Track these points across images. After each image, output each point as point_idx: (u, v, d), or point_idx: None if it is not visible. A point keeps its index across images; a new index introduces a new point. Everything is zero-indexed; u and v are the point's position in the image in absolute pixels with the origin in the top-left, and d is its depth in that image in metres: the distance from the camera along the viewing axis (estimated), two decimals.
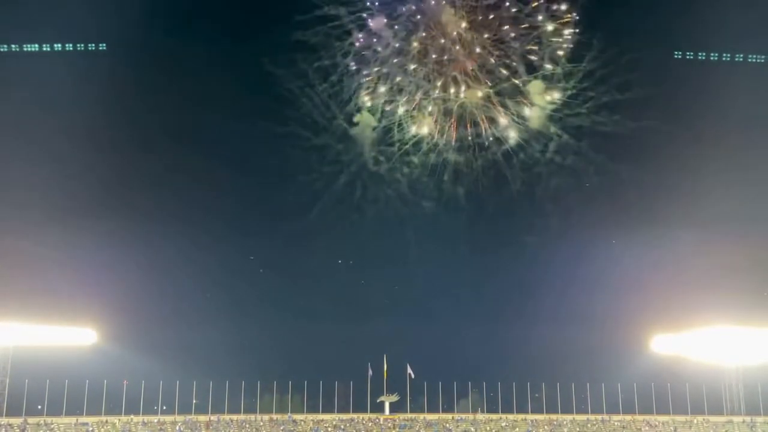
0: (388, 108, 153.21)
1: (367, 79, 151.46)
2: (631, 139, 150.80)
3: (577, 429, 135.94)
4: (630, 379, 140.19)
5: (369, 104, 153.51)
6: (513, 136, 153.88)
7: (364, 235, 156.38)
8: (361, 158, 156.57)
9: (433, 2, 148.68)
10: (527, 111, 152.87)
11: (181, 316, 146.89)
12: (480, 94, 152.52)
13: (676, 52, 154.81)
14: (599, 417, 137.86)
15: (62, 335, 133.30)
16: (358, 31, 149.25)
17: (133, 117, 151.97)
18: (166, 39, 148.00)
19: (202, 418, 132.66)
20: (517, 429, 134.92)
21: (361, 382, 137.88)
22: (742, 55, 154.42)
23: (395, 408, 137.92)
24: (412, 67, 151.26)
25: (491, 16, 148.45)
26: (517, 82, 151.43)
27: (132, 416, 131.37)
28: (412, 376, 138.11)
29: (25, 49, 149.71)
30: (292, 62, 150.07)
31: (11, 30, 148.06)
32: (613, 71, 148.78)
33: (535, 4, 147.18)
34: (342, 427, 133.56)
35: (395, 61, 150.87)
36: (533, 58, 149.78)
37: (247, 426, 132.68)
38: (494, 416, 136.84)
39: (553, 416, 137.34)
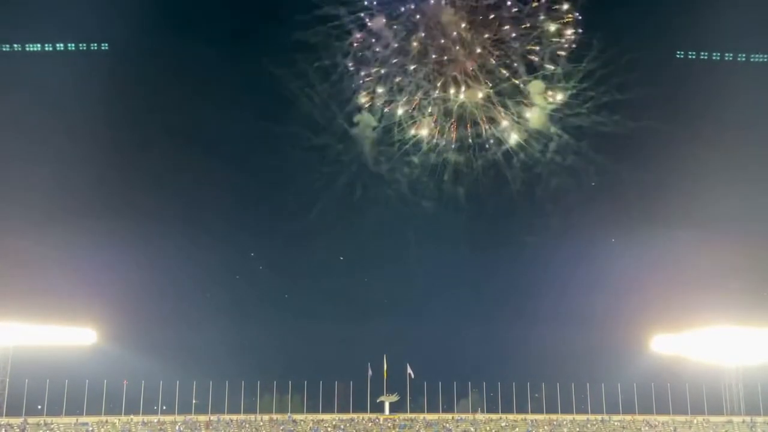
0: (386, 109, 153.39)
1: (367, 79, 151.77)
2: (631, 139, 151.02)
3: (577, 429, 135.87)
4: (630, 379, 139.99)
5: (369, 104, 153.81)
6: (513, 136, 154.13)
7: (364, 235, 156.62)
8: (361, 158, 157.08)
9: (433, 2, 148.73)
10: (527, 111, 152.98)
11: (181, 316, 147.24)
12: (480, 94, 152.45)
13: (676, 52, 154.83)
14: (599, 417, 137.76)
15: (62, 335, 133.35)
16: (357, 31, 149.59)
17: (134, 117, 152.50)
18: (167, 39, 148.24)
19: (202, 418, 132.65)
20: (517, 429, 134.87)
21: (361, 382, 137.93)
22: (743, 56, 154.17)
23: (395, 408, 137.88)
24: (412, 67, 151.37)
25: (491, 16, 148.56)
26: (517, 82, 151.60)
27: (132, 416, 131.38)
28: (412, 376, 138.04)
29: (27, 49, 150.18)
30: (292, 62, 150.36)
31: (13, 30, 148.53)
32: (613, 71, 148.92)
33: (536, 4, 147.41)
34: (342, 427, 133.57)
35: (395, 61, 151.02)
36: (534, 58, 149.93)
37: (247, 426, 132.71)
38: (494, 416, 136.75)
39: (553, 416, 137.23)
